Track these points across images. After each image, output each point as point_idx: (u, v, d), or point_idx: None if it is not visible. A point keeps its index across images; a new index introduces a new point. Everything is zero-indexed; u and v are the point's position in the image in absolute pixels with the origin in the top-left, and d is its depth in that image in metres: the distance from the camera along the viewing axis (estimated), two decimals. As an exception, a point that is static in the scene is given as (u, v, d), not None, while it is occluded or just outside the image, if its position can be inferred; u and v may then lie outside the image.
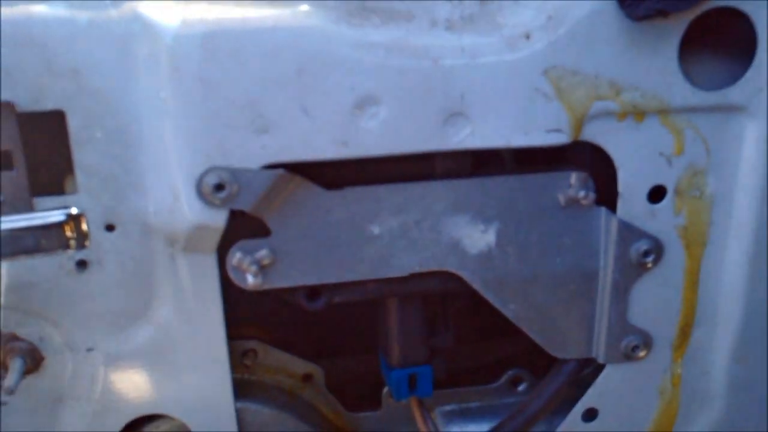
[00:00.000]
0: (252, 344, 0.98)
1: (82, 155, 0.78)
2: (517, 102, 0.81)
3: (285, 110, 0.77)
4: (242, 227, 0.83)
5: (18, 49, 0.75)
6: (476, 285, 0.88)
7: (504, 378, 1.06)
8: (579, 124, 0.83)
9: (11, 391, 0.81)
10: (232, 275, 0.84)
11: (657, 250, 0.89)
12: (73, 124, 0.77)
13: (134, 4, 0.76)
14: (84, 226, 0.78)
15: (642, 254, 0.88)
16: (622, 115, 0.84)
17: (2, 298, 0.82)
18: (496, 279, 0.88)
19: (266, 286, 0.85)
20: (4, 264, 0.80)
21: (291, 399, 0.99)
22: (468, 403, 1.05)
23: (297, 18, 0.77)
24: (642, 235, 0.88)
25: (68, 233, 0.76)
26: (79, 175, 0.79)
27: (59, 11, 0.75)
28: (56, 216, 0.76)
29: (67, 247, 0.76)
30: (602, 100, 0.83)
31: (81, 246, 0.78)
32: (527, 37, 0.81)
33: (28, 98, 0.76)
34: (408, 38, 0.79)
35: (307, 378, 1.01)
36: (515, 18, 0.81)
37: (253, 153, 0.78)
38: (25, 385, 0.86)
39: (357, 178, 0.84)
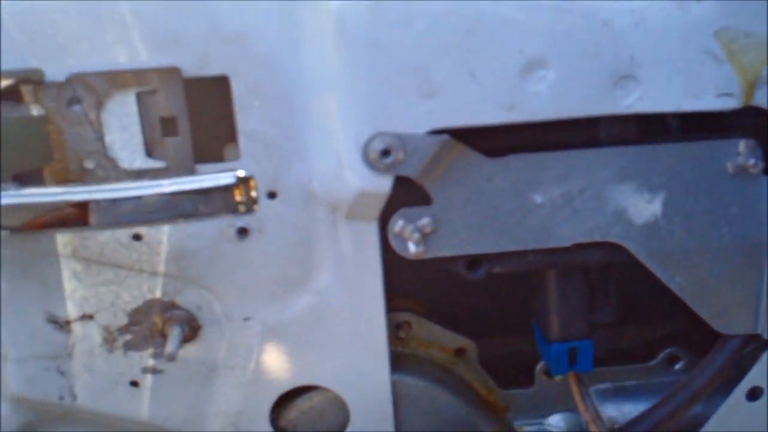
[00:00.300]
0: (406, 316, 0.96)
1: (245, 121, 0.78)
2: (688, 65, 0.79)
3: (452, 74, 0.76)
4: (400, 196, 0.81)
5: (185, 14, 0.75)
6: (641, 257, 0.85)
7: (661, 356, 1.02)
8: (750, 88, 0.80)
9: (173, 358, 0.81)
10: (393, 243, 0.82)
11: None
12: (237, 89, 0.77)
13: None
14: (253, 192, 0.77)
15: (812, 226, 0.85)
16: (793, 80, 0.81)
17: (163, 266, 0.82)
18: (662, 250, 0.85)
19: (428, 255, 0.83)
20: (168, 230, 0.81)
21: (444, 373, 0.97)
22: (623, 382, 1.02)
23: None
24: (812, 206, 0.84)
25: (238, 197, 0.75)
26: (242, 142, 0.78)
27: None
28: (226, 178, 0.75)
29: (235, 211, 0.75)
30: (774, 63, 0.80)
31: (249, 210, 0.76)
32: (698, -3, 0.78)
33: (194, 63, 0.76)
34: None
35: (460, 352, 0.99)
36: (685, -21, 0.79)
37: (419, 118, 0.77)
38: (182, 354, 0.86)
39: (520, 145, 0.82)
